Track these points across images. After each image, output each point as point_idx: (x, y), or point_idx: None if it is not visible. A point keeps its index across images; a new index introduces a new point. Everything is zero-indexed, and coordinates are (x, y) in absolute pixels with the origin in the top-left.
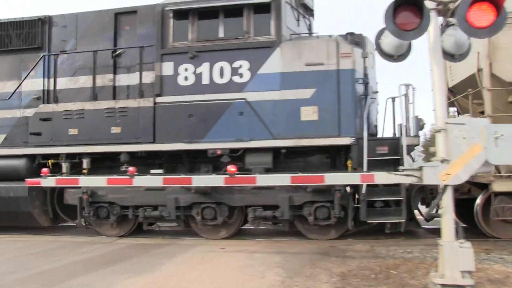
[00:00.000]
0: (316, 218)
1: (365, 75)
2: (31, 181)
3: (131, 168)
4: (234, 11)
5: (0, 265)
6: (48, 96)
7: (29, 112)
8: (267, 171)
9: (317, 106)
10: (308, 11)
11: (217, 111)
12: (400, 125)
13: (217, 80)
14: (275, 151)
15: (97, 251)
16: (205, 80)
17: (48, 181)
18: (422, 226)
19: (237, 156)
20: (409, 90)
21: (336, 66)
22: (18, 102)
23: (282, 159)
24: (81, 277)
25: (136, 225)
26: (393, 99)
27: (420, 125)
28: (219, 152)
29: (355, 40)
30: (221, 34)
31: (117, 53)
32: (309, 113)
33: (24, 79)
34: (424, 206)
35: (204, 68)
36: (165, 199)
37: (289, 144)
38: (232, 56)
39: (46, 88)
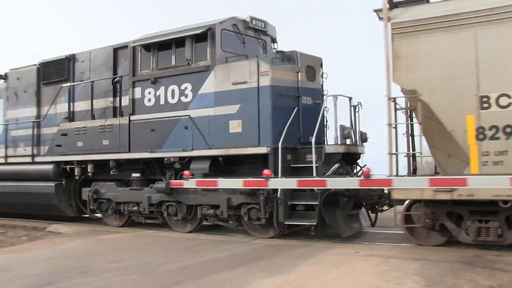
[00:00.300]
0: (250, 218)
1: (297, 88)
2: (175, 183)
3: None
4: (180, 42)
5: (152, 257)
6: (69, 116)
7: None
8: (205, 175)
9: (241, 120)
10: (262, 33)
11: (170, 126)
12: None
13: (170, 100)
14: (213, 158)
15: (235, 249)
16: (162, 101)
17: (190, 183)
18: None
19: (185, 163)
20: (336, 101)
21: (257, 83)
22: (55, 121)
23: (220, 165)
24: (222, 273)
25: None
26: (326, 108)
27: (344, 133)
28: (171, 159)
29: (286, 57)
30: (172, 62)
31: (115, 80)
32: (235, 126)
33: (58, 104)
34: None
35: (161, 91)
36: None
37: (220, 153)
38: (180, 80)
39: (68, 110)
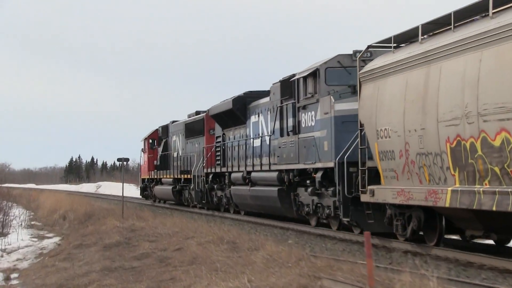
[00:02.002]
0: None
1: None
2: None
3: None
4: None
5: None
6: (281, 131)
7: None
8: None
9: (326, 141)
10: (369, 60)
11: (308, 144)
12: None
13: (308, 123)
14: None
15: None
16: (307, 124)
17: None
18: None
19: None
20: None
21: (330, 114)
22: (276, 136)
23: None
24: None
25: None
26: None
27: None
28: (311, 170)
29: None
30: (309, 92)
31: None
32: (325, 145)
33: (276, 121)
34: None
35: (307, 115)
36: None
37: (329, 166)
38: (310, 109)
39: (280, 126)
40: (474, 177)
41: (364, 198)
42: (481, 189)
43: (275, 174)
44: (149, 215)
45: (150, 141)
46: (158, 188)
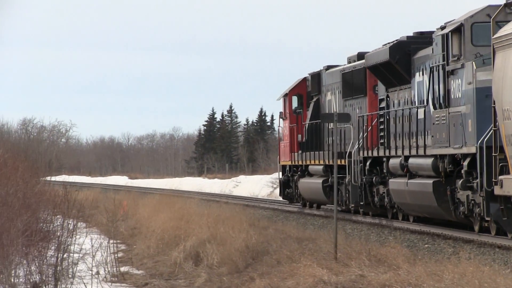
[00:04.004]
0: None
1: None
2: None
3: None
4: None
5: None
6: None
7: None
8: None
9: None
10: None
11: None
12: None
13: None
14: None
15: None
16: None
17: None
18: None
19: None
20: None
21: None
22: None
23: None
24: None
25: None
26: None
27: None
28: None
29: None
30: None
31: None
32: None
33: None
34: None
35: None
36: None
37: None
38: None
39: None
40: None
41: (497, 190)
42: None
43: (429, 161)
44: (396, 253)
45: (295, 99)
46: (304, 183)
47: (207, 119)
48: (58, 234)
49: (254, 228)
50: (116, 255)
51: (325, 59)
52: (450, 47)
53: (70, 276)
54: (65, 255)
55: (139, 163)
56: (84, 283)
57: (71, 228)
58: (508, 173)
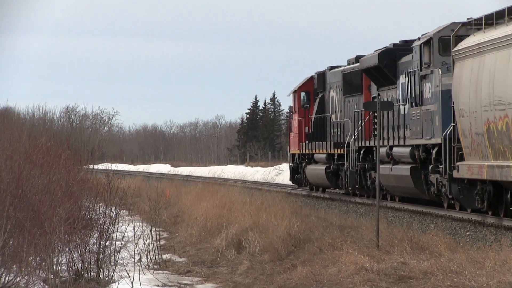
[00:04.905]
0: None
1: None
2: None
3: None
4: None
5: None
6: None
7: None
8: None
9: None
10: None
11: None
12: None
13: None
14: None
15: None
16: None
17: None
18: None
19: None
20: None
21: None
22: None
23: None
24: None
25: None
26: None
27: None
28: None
29: None
30: None
31: None
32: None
33: None
34: None
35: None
36: None
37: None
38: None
39: None
40: None
41: (455, 174)
42: None
43: (408, 150)
44: (438, 240)
45: (303, 95)
46: (310, 169)
47: (250, 107)
48: (101, 221)
49: (296, 216)
50: (158, 242)
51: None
52: (422, 56)
53: (112, 263)
54: (107, 243)
55: (182, 151)
56: (127, 271)
57: (113, 216)
58: (463, 160)
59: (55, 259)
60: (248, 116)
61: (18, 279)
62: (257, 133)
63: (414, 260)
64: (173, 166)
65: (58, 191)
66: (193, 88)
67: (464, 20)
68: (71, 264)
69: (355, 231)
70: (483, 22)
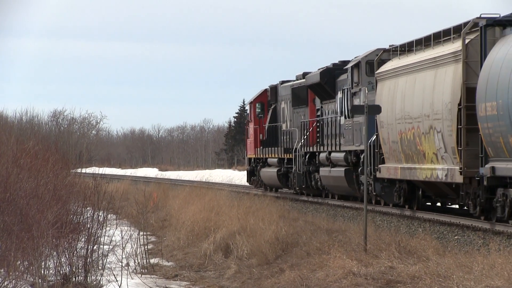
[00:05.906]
0: None
1: None
2: None
3: None
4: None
5: None
6: None
7: None
8: None
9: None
10: None
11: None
12: None
13: None
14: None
15: None
16: None
17: None
18: None
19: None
20: None
21: None
22: None
23: None
24: None
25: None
26: None
27: None
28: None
29: None
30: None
31: None
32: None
33: None
34: None
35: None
36: None
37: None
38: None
39: None
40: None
41: (378, 175)
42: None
43: (342, 155)
44: (426, 244)
45: (258, 106)
46: (264, 171)
47: (237, 110)
48: (88, 226)
49: (284, 220)
50: (146, 247)
51: (356, 49)
52: (353, 76)
53: (100, 267)
54: (95, 247)
55: (170, 155)
56: (114, 275)
57: (101, 220)
58: (384, 163)
59: (43, 263)
60: (235, 120)
61: (5, 283)
62: (245, 137)
63: (402, 264)
64: (160, 170)
65: (46, 195)
66: (181, 92)
67: (387, 47)
68: (59, 268)
69: (342, 235)
70: (398, 50)
